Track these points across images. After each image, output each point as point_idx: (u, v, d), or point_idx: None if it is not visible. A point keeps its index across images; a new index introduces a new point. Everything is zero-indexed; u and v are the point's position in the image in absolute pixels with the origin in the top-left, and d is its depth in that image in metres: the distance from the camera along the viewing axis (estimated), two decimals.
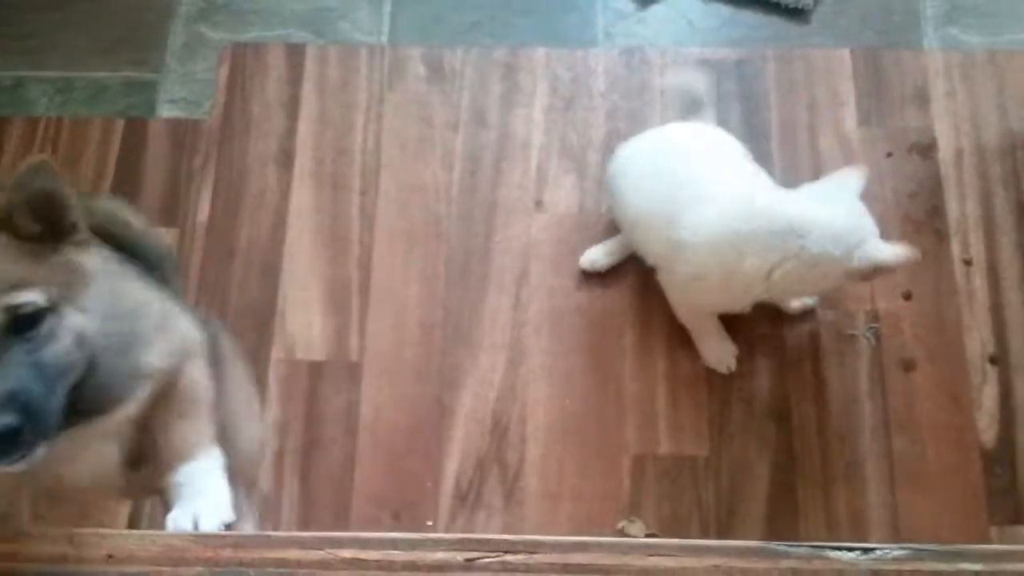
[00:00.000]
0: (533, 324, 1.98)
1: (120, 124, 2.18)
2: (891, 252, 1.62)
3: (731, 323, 1.92)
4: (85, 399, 1.00)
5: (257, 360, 1.95)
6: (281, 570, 0.87)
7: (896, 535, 1.77)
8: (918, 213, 2.03)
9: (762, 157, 1.90)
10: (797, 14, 2.25)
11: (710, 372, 1.92)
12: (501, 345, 1.96)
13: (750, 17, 2.27)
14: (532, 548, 0.88)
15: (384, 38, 2.27)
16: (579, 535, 1.76)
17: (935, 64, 2.17)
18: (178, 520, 1.03)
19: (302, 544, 0.89)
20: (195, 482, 1.10)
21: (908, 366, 1.91)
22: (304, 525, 1.83)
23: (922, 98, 2.14)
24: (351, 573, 0.87)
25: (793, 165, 2.06)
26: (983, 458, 1.84)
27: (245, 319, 1.99)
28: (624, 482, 1.85)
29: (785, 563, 0.87)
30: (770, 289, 1.71)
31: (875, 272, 1.64)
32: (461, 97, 2.18)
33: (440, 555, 0.88)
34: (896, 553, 0.87)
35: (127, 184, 2.12)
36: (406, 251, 2.05)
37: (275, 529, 1.82)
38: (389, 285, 2.01)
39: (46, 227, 0.99)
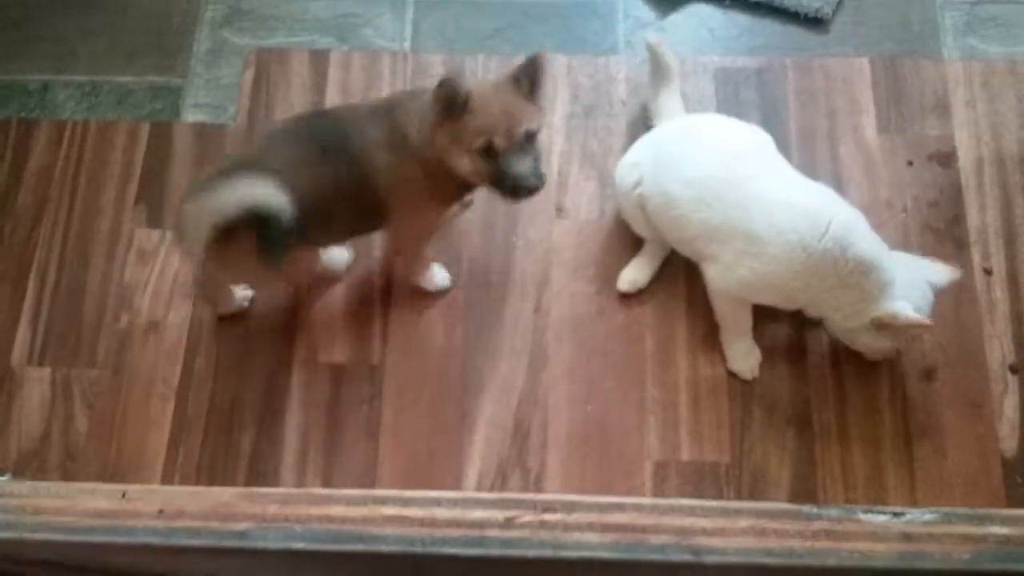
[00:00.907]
0: (555, 329, 1.99)
1: (146, 128, 2.21)
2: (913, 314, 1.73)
3: (753, 331, 1.92)
4: None
5: (280, 363, 1.97)
6: (326, 526, 0.88)
7: None
8: (938, 222, 2.04)
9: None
10: (816, 23, 2.27)
11: (731, 379, 1.92)
12: (522, 350, 1.98)
13: (769, 26, 2.29)
14: (570, 508, 0.89)
15: (407, 45, 2.29)
16: None
17: (955, 73, 2.18)
18: None
19: (347, 501, 0.90)
20: None
21: (928, 375, 1.91)
22: None
23: (942, 107, 2.15)
24: (394, 528, 0.88)
25: (813, 172, 2.05)
26: (1004, 467, 1.85)
27: (268, 322, 2.01)
28: (646, 488, 1.85)
29: (817, 525, 0.88)
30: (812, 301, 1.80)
31: (892, 326, 1.74)
32: None
33: (480, 513, 0.89)
34: (927, 517, 0.88)
35: (153, 187, 2.14)
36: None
37: None
38: (411, 290, 2.02)
39: (531, 88, 1.69)
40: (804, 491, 1.83)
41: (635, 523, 0.87)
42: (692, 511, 0.89)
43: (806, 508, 0.88)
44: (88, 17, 2.35)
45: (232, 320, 2.00)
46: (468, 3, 2.35)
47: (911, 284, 1.76)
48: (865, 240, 1.74)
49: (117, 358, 1.99)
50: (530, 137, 1.68)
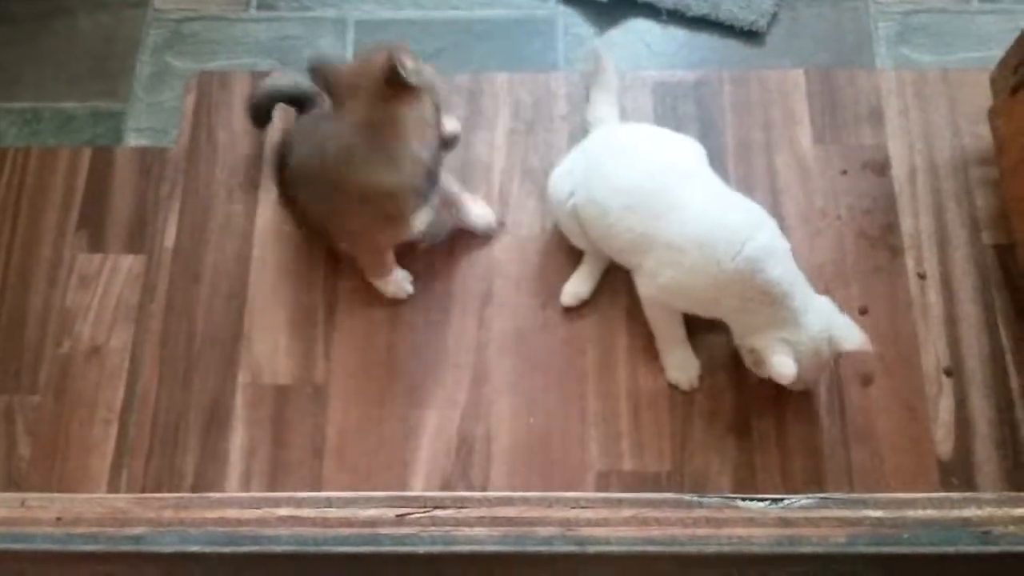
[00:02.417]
0: (497, 343, 2.01)
1: (87, 153, 2.21)
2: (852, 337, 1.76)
3: (692, 339, 1.94)
4: None
5: (223, 384, 1.97)
6: (221, 528, 0.89)
7: None
8: (873, 229, 2.07)
9: (719, 177, 1.92)
10: (752, 36, 2.30)
11: (671, 389, 1.94)
12: (465, 365, 1.99)
13: (706, 40, 2.32)
14: (460, 503, 0.90)
15: None
16: None
17: (888, 83, 2.22)
18: None
19: (241, 504, 0.91)
20: None
21: (866, 380, 1.94)
22: None
23: (876, 116, 2.18)
24: (288, 529, 0.89)
25: (750, 183, 2.09)
26: (940, 469, 1.87)
27: (211, 344, 2.01)
28: None
29: (698, 512, 0.89)
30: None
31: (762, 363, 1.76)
32: None
33: (372, 511, 0.90)
34: (804, 502, 0.90)
35: (95, 211, 2.14)
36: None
37: None
38: (354, 308, 2.04)
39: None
40: None
41: (523, 516, 0.88)
42: (577, 503, 0.90)
43: (687, 496, 0.90)
44: (30, 43, 2.36)
45: (174, 342, 2.01)
46: (409, 23, 2.37)
47: (812, 333, 1.74)
48: (778, 269, 1.73)
49: (59, 383, 1.98)
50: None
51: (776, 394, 1.92)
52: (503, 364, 1.98)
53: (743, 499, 0.89)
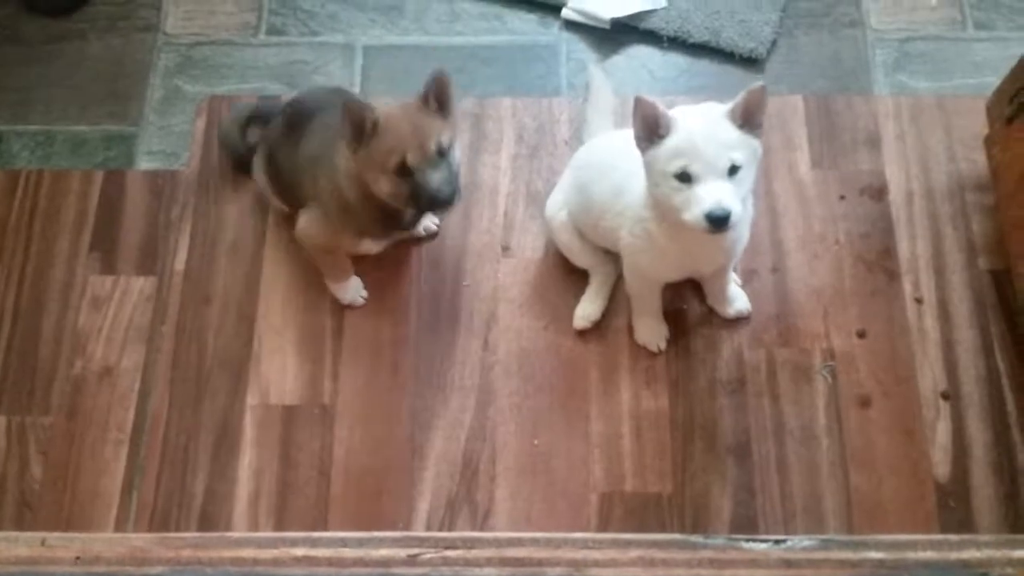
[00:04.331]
0: (502, 365, 2.04)
1: (99, 176, 2.25)
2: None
3: (695, 362, 1.98)
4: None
5: (232, 405, 2.01)
6: (238, 568, 0.91)
7: None
8: (870, 253, 2.10)
9: None
10: (751, 63, 2.35)
11: (673, 410, 1.97)
12: (471, 387, 2.02)
13: (707, 67, 2.36)
14: (470, 544, 0.93)
15: (356, 90, 2.34)
16: None
17: (885, 109, 2.26)
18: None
19: (258, 543, 0.94)
20: None
21: (864, 403, 1.97)
22: None
23: (873, 142, 2.22)
24: (304, 569, 0.92)
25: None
26: (938, 492, 1.90)
27: (221, 365, 2.05)
28: (591, 520, 1.89)
29: (703, 553, 0.92)
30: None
31: None
32: None
33: (385, 552, 0.93)
34: (806, 543, 0.92)
35: (106, 234, 2.18)
36: (378, 296, 2.11)
37: None
38: (361, 330, 2.07)
39: (440, 105, 1.78)
40: (745, 520, 1.87)
41: (532, 557, 0.91)
42: (585, 544, 0.93)
43: (693, 538, 0.93)
44: (43, 67, 2.40)
45: (185, 363, 2.04)
46: (416, 49, 2.41)
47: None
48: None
49: (71, 404, 2.02)
50: (443, 151, 1.78)
51: (775, 415, 1.96)
52: (508, 386, 2.02)
53: (747, 540, 0.92)
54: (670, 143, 1.59)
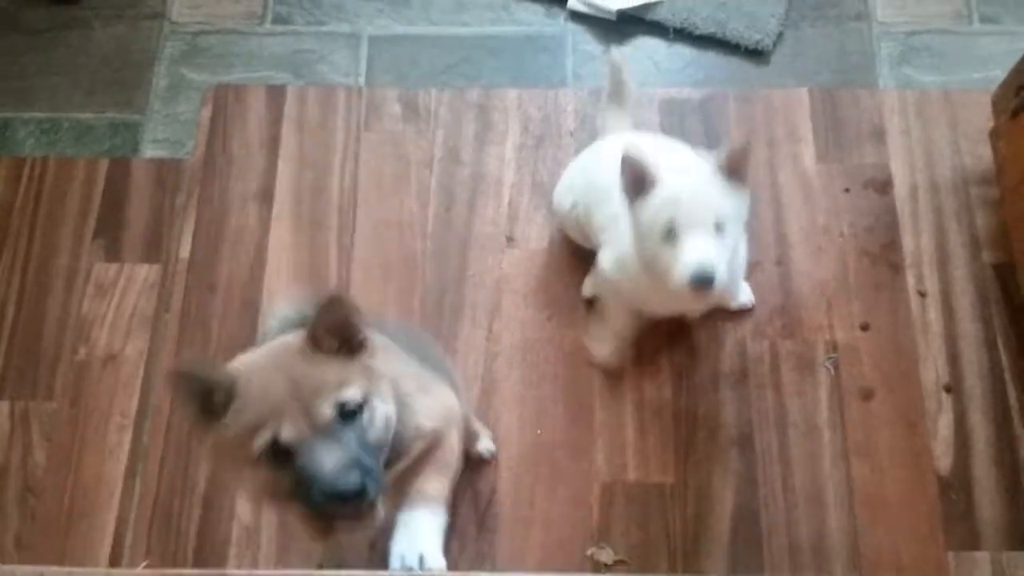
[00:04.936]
0: (505, 355, 2.04)
1: (104, 164, 2.25)
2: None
3: (699, 353, 1.99)
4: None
5: None
6: None
7: (856, 558, 1.84)
8: (874, 247, 2.10)
9: None
10: (757, 56, 2.34)
11: (676, 401, 1.98)
12: (475, 376, 2.02)
13: (712, 59, 2.36)
14: None
15: (361, 80, 2.35)
16: (549, 562, 1.84)
17: (891, 102, 2.26)
18: (406, 557, 1.25)
19: None
20: (421, 527, 1.34)
21: (866, 395, 1.97)
22: (283, 554, 1.88)
23: (878, 135, 2.22)
24: None
25: (752, 200, 2.11)
26: (939, 484, 1.90)
27: (225, 352, 2.04)
28: (594, 509, 1.90)
29: None
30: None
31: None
32: (436, 136, 2.26)
33: None
34: None
35: (111, 221, 2.19)
36: (382, 286, 2.11)
37: (254, 559, 1.87)
38: None
39: (343, 343, 1.23)
40: (747, 511, 1.88)
41: None
42: None
43: None
44: (49, 55, 2.40)
45: (189, 349, 2.04)
46: (421, 39, 2.41)
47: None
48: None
49: (75, 390, 2.02)
50: (347, 412, 1.19)
51: (778, 407, 1.96)
52: (511, 376, 2.02)
53: None
54: (656, 197, 1.56)
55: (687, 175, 1.59)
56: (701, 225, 1.53)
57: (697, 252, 1.52)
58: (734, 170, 1.56)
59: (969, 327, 2.03)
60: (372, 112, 2.29)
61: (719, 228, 1.54)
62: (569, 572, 1.86)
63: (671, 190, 1.55)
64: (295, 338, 1.22)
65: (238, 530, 1.90)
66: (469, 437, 1.84)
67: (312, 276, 2.11)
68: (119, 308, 2.10)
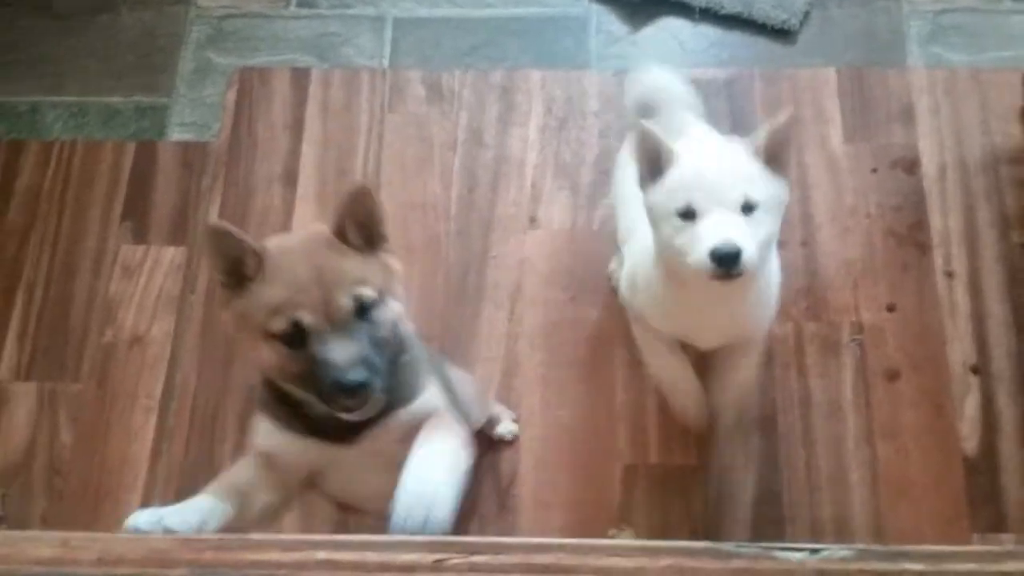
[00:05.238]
0: (527, 337, 2.04)
1: (131, 147, 2.28)
2: None
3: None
4: (391, 390, 1.25)
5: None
6: (260, 571, 0.92)
7: (880, 541, 1.82)
8: (901, 227, 2.08)
9: None
10: (783, 35, 2.32)
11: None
12: (496, 357, 2.02)
13: (738, 38, 2.34)
14: (497, 549, 0.92)
15: (385, 62, 2.35)
16: None
17: (919, 82, 2.23)
18: (407, 522, 1.12)
19: (281, 546, 0.94)
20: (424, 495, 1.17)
21: (892, 376, 1.95)
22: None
23: (907, 115, 2.19)
24: (327, 572, 0.92)
25: None
26: (965, 466, 1.88)
27: None
28: (616, 491, 1.90)
29: (735, 563, 0.90)
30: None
31: None
32: (459, 118, 2.26)
33: (410, 556, 0.92)
34: (842, 553, 0.90)
35: (138, 204, 2.21)
36: (405, 267, 2.03)
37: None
38: None
39: (366, 239, 1.24)
40: (769, 493, 1.87)
41: (560, 563, 0.90)
42: (615, 551, 0.92)
43: (725, 546, 0.91)
44: (76, 39, 2.42)
45: (214, 331, 2.06)
46: (445, 21, 2.41)
47: None
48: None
49: (102, 371, 2.05)
50: (363, 308, 1.21)
51: (802, 388, 1.95)
52: (534, 357, 2.02)
53: (781, 549, 0.90)
54: (671, 176, 1.37)
55: (712, 148, 1.44)
56: (725, 201, 1.33)
57: (720, 227, 1.32)
58: (774, 153, 1.36)
59: (997, 308, 2.00)
60: (396, 94, 2.29)
61: (748, 211, 1.33)
62: None
63: (691, 168, 1.36)
64: (323, 227, 1.25)
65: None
66: (489, 424, 1.86)
67: None
68: (145, 290, 2.12)
